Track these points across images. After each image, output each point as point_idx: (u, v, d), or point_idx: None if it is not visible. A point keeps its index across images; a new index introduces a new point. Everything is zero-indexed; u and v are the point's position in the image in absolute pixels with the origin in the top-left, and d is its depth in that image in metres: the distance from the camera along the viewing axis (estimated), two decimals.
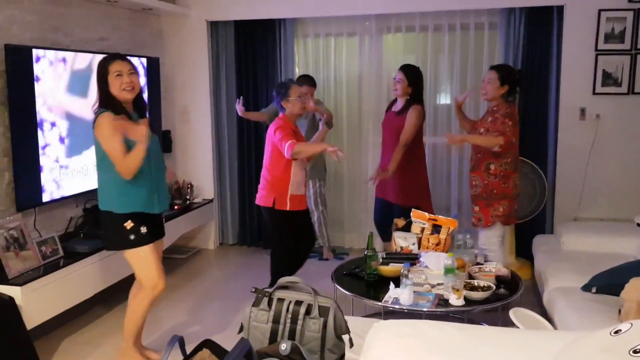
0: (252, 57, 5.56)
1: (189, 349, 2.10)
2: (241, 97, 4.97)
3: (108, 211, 3.12)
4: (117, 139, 2.97)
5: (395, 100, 4.51)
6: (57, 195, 3.97)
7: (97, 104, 3.11)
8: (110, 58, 3.10)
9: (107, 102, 3.07)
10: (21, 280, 3.32)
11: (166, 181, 3.36)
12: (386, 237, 4.39)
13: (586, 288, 3.27)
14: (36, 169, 3.77)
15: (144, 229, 3.14)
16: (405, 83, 4.28)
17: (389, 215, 4.32)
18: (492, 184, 3.91)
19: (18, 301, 3.22)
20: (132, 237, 3.12)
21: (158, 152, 3.29)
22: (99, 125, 3.01)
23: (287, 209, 3.96)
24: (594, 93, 4.83)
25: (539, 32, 4.94)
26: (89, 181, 4.27)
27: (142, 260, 3.18)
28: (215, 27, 5.61)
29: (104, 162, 3.07)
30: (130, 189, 3.08)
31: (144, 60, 4.92)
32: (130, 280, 4.45)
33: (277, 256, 4.14)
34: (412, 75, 4.32)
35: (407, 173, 4.30)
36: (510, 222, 4.12)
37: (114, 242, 3.22)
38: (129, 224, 3.10)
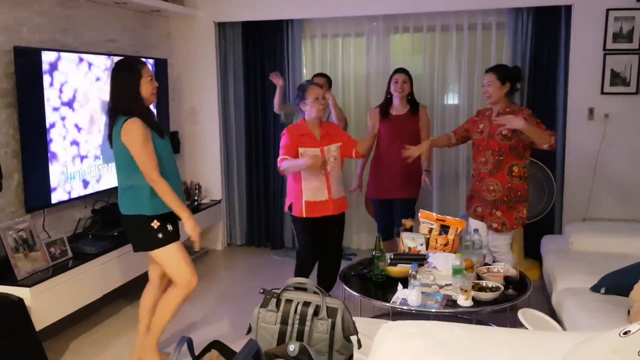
0: (260, 58, 5.57)
1: (197, 350, 2.10)
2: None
3: (136, 215, 3.09)
4: (150, 145, 3.00)
5: (389, 105, 4.52)
6: (65, 197, 3.99)
7: (116, 107, 3.06)
8: (141, 62, 3.12)
9: (134, 105, 3.04)
10: (30, 281, 3.34)
11: None
12: (390, 236, 4.41)
13: (595, 289, 3.25)
14: (45, 171, 3.79)
15: (170, 227, 3.15)
16: (409, 83, 4.47)
17: (391, 214, 4.50)
18: (517, 186, 3.79)
19: (27, 302, 3.24)
20: (160, 235, 3.11)
21: (172, 152, 3.30)
22: (130, 131, 2.97)
23: (303, 215, 3.85)
24: (603, 93, 4.81)
25: (547, 31, 4.92)
26: (97, 183, 4.29)
27: (173, 258, 3.18)
28: (223, 28, 5.62)
29: (130, 166, 3.04)
30: (152, 189, 3.06)
31: (152, 61, 4.94)
32: (139, 280, 4.48)
33: (296, 261, 4.06)
34: (410, 75, 4.52)
35: (415, 167, 4.42)
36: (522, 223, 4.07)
37: (143, 244, 3.19)
38: (155, 224, 3.09)
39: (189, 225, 3.11)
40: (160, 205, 3.09)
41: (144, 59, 4.74)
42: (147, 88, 3.08)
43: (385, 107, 4.54)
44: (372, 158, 4.65)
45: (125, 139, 2.99)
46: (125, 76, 3.07)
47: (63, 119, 3.92)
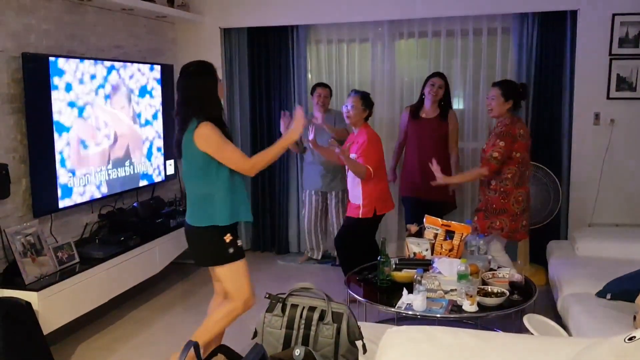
0: (265, 64, 5.59)
1: (203, 355, 2.11)
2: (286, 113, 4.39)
3: (208, 227, 2.98)
4: (229, 143, 2.93)
5: (419, 107, 4.61)
6: (72, 202, 4.01)
7: (192, 111, 2.95)
8: (213, 65, 3.05)
9: (214, 109, 2.97)
10: (38, 285, 3.36)
11: None
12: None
13: (601, 294, 3.25)
14: (52, 176, 3.81)
15: (240, 242, 3.06)
16: (444, 88, 4.61)
17: (422, 212, 4.34)
18: (492, 200, 3.91)
19: (35, 306, 3.26)
20: (231, 250, 3.00)
21: None
22: (207, 136, 2.88)
23: (389, 209, 4.39)
24: (608, 98, 4.81)
25: (553, 37, 4.92)
26: (104, 188, 4.31)
27: (239, 274, 3.08)
28: (228, 34, 5.65)
29: (203, 173, 2.95)
30: (233, 198, 3.00)
31: (159, 67, 4.97)
32: (146, 285, 4.50)
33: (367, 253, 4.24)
34: (447, 81, 4.68)
35: (446, 170, 4.46)
36: (518, 237, 4.04)
37: (211, 258, 3.08)
38: (228, 237, 2.98)
39: (296, 136, 3.07)
40: (234, 213, 3.01)
41: (149, 65, 4.80)
42: (221, 92, 3.04)
43: (416, 108, 4.71)
44: (402, 158, 4.93)
45: (201, 143, 2.88)
46: (205, 80, 2.97)
47: (70, 124, 3.95)
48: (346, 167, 4.27)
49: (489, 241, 3.94)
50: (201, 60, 3.05)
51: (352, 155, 4.13)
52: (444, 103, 4.66)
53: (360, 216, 4.16)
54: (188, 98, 2.97)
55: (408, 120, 4.78)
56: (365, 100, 4.20)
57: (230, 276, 3.07)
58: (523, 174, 3.92)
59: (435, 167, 4.04)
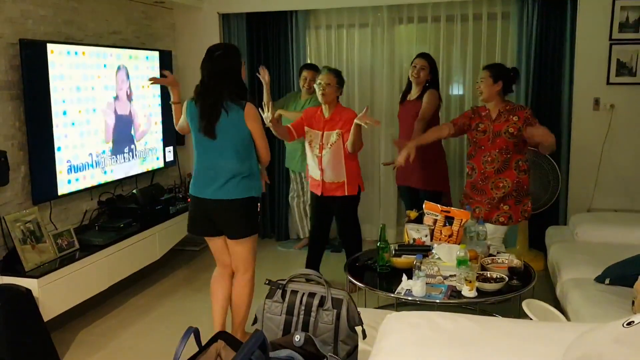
0: (264, 49, 5.57)
1: (203, 341, 2.12)
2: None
3: (246, 198, 3.21)
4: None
5: (408, 91, 4.53)
6: (72, 189, 4.01)
7: (229, 92, 3.11)
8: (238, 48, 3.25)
9: (242, 90, 3.18)
10: (38, 272, 3.37)
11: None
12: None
13: (600, 279, 3.26)
14: (51, 163, 3.81)
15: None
16: (428, 70, 4.39)
17: (416, 200, 4.38)
18: (524, 180, 3.84)
19: (35, 293, 3.27)
20: (258, 220, 3.33)
21: None
22: (256, 116, 3.16)
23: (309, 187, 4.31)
24: (608, 83, 4.79)
25: (553, 21, 4.90)
26: (103, 174, 4.31)
27: (255, 246, 3.39)
28: (227, 19, 5.61)
29: (247, 151, 3.19)
30: (258, 174, 3.30)
31: (157, 53, 4.94)
32: (146, 271, 4.51)
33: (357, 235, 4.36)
34: (432, 62, 4.45)
35: (430, 159, 4.40)
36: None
37: (252, 227, 3.31)
38: (259, 206, 3.31)
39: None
40: (259, 187, 3.30)
41: (147, 51, 4.78)
42: (243, 73, 3.22)
43: (405, 92, 4.58)
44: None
45: (251, 122, 3.14)
46: (239, 62, 3.17)
47: (69, 110, 3.94)
48: (318, 146, 4.03)
49: (492, 230, 3.88)
50: (228, 43, 3.33)
51: (335, 132, 3.97)
52: (430, 85, 4.41)
53: (346, 193, 4.09)
54: (227, 79, 3.11)
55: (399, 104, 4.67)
56: (340, 78, 4.07)
57: (251, 247, 3.34)
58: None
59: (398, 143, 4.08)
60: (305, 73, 4.99)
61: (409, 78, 4.53)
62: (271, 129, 3.83)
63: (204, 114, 3.12)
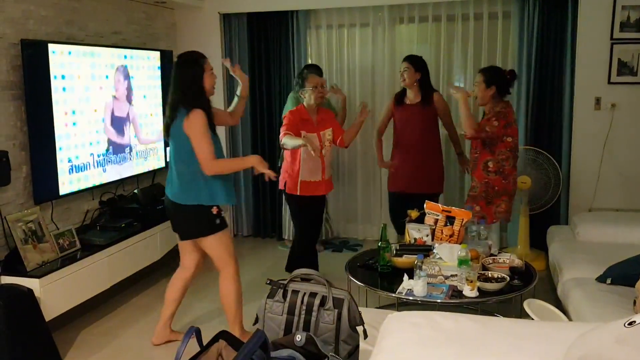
0: (265, 49, 5.57)
1: (205, 340, 2.12)
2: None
3: (194, 204, 3.22)
4: (209, 137, 3.15)
5: (403, 94, 4.49)
6: (73, 189, 4.01)
7: (180, 100, 3.17)
8: (203, 56, 3.26)
9: (199, 98, 3.17)
10: (39, 272, 3.37)
11: None
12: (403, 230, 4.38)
13: (601, 279, 3.26)
14: (53, 163, 3.81)
15: (224, 214, 3.32)
16: (412, 69, 4.32)
17: (406, 208, 4.26)
18: (493, 181, 3.90)
19: (37, 293, 3.28)
20: (218, 221, 3.27)
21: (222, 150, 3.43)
22: (194, 121, 3.11)
23: (298, 193, 4.09)
24: (610, 82, 4.79)
25: (554, 21, 4.89)
26: (104, 174, 4.31)
27: (226, 243, 3.35)
28: (228, 19, 5.62)
29: (191, 157, 3.16)
30: (215, 182, 3.23)
31: (158, 53, 4.95)
32: (147, 271, 4.51)
33: (294, 239, 4.42)
34: (417, 62, 4.37)
35: (438, 161, 4.44)
36: (510, 219, 4.09)
37: (200, 230, 3.31)
38: (215, 209, 3.25)
39: (261, 167, 3.24)
40: (216, 196, 3.24)
41: (148, 51, 4.78)
42: (209, 81, 3.23)
43: (400, 94, 4.51)
44: (392, 147, 4.65)
45: (189, 129, 3.12)
46: (190, 71, 3.18)
47: (70, 110, 3.94)
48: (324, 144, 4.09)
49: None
50: (191, 51, 3.29)
51: (330, 130, 4.12)
52: (423, 86, 4.38)
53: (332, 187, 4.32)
54: (176, 88, 3.20)
55: (393, 107, 4.54)
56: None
57: (218, 245, 3.33)
58: (516, 158, 3.96)
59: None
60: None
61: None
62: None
63: (164, 117, 3.30)
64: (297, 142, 3.83)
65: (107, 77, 4.30)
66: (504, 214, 3.96)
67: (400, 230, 4.33)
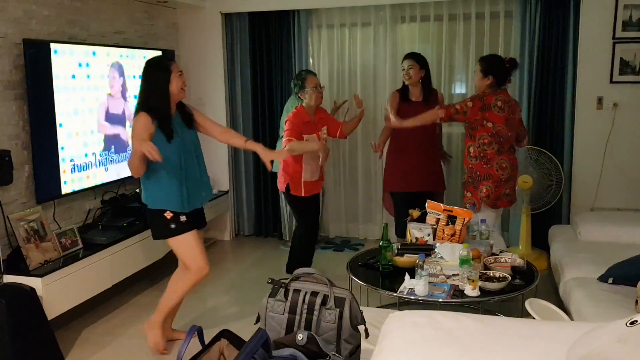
0: (267, 49, 5.57)
1: (207, 339, 2.13)
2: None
3: (155, 209, 3.27)
4: (136, 141, 3.07)
5: (406, 91, 4.49)
6: (75, 188, 4.02)
7: (141, 103, 3.20)
8: (170, 59, 3.28)
9: (159, 103, 3.16)
10: (42, 271, 3.38)
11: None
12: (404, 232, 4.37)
13: (603, 279, 3.26)
14: (55, 162, 3.82)
15: (183, 218, 3.27)
16: (417, 67, 4.34)
17: (411, 205, 4.25)
18: (475, 166, 3.92)
19: (39, 292, 3.29)
20: (172, 225, 3.25)
21: (193, 147, 3.36)
22: (134, 124, 3.14)
23: (302, 195, 4.16)
24: (612, 82, 4.78)
25: (556, 20, 4.89)
26: (106, 173, 4.32)
27: (186, 245, 3.32)
28: (229, 18, 5.62)
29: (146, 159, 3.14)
30: (163, 187, 3.23)
31: (160, 53, 4.95)
32: (149, 270, 4.52)
33: (297, 238, 4.42)
34: (421, 59, 4.40)
35: (438, 160, 4.48)
36: (499, 204, 3.99)
37: (157, 233, 3.36)
38: (168, 214, 3.23)
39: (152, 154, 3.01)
40: (169, 201, 3.22)
41: (151, 50, 4.78)
42: (176, 84, 3.20)
43: (403, 91, 4.48)
44: (391, 147, 4.58)
45: (132, 131, 3.17)
46: (155, 74, 3.19)
47: (72, 110, 3.94)
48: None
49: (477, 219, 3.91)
50: (159, 56, 3.34)
51: (325, 128, 4.24)
52: (426, 84, 4.42)
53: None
54: (141, 91, 3.24)
55: (399, 103, 4.47)
56: None
57: (178, 248, 3.34)
58: (501, 144, 3.86)
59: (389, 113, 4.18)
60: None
61: (403, 81, 4.47)
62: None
63: None
64: (308, 147, 3.98)
65: (109, 76, 4.30)
66: (486, 199, 3.91)
67: (402, 233, 4.25)
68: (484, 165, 3.89)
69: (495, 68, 3.88)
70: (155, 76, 3.18)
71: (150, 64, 3.25)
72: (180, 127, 3.26)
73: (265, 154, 3.39)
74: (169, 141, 3.17)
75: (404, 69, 4.39)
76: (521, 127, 4.08)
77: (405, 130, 4.35)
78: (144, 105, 3.17)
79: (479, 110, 3.82)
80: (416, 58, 4.38)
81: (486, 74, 3.87)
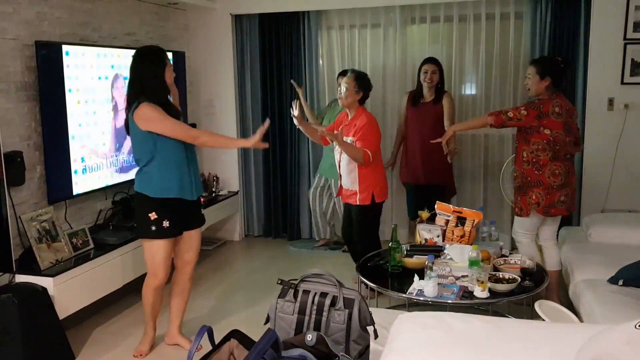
0: (277, 50, 5.59)
1: (217, 339, 2.14)
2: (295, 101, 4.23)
3: (141, 194, 3.22)
4: (172, 119, 3.12)
5: (419, 93, 4.61)
6: (86, 188, 4.05)
7: (137, 93, 3.13)
8: (163, 50, 3.24)
9: (159, 92, 3.16)
10: (53, 271, 3.41)
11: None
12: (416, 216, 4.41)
13: (613, 280, 3.24)
14: (66, 163, 3.85)
15: (166, 223, 3.22)
16: (438, 73, 4.60)
17: (422, 198, 4.64)
18: (527, 172, 3.80)
19: (50, 292, 3.31)
20: (153, 228, 3.21)
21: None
22: (147, 116, 3.07)
23: (385, 199, 4.11)
24: (623, 83, 4.76)
25: (566, 21, 4.87)
26: (117, 174, 4.35)
27: (153, 252, 3.28)
28: (239, 20, 5.64)
29: (142, 148, 3.17)
30: (167, 174, 3.18)
31: (170, 54, 4.97)
32: None
33: (367, 245, 4.05)
34: (440, 65, 4.67)
35: (442, 154, 4.39)
36: (552, 212, 3.85)
37: (139, 229, 3.32)
38: (152, 215, 3.19)
39: (250, 145, 3.37)
40: (163, 189, 3.19)
41: None
42: (170, 76, 3.22)
43: (415, 94, 4.73)
44: (403, 143, 4.93)
45: (141, 123, 3.08)
46: (152, 66, 3.16)
47: (84, 111, 3.97)
48: (338, 152, 4.04)
49: (516, 224, 3.94)
50: (151, 45, 3.28)
51: (349, 139, 3.93)
52: (442, 86, 4.70)
53: (358, 203, 4.00)
54: (133, 81, 3.19)
55: (408, 106, 4.76)
56: (360, 81, 3.95)
57: (146, 250, 3.30)
58: (557, 151, 3.74)
59: (435, 141, 4.06)
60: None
61: (419, 82, 4.63)
62: (298, 127, 4.12)
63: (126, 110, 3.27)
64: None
65: (120, 77, 4.33)
66: (536, 206, 3.84)
67: (414, 216, 4.49)
68: (536, 172, 3.78)
69: (551, 69, 3.79)
70: (153, 67, 3.15)
71: (146, 54, 3.20)
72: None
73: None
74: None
75: (425, 72, 4.59)
76: (578, 131, 4.03)
77: (407, 125, 4.76)
78: (141, 96, 3.11)
79: (535, 119, 3.69)
80: (437, 63, 4.62)
81: (543, 75, 3.77)
